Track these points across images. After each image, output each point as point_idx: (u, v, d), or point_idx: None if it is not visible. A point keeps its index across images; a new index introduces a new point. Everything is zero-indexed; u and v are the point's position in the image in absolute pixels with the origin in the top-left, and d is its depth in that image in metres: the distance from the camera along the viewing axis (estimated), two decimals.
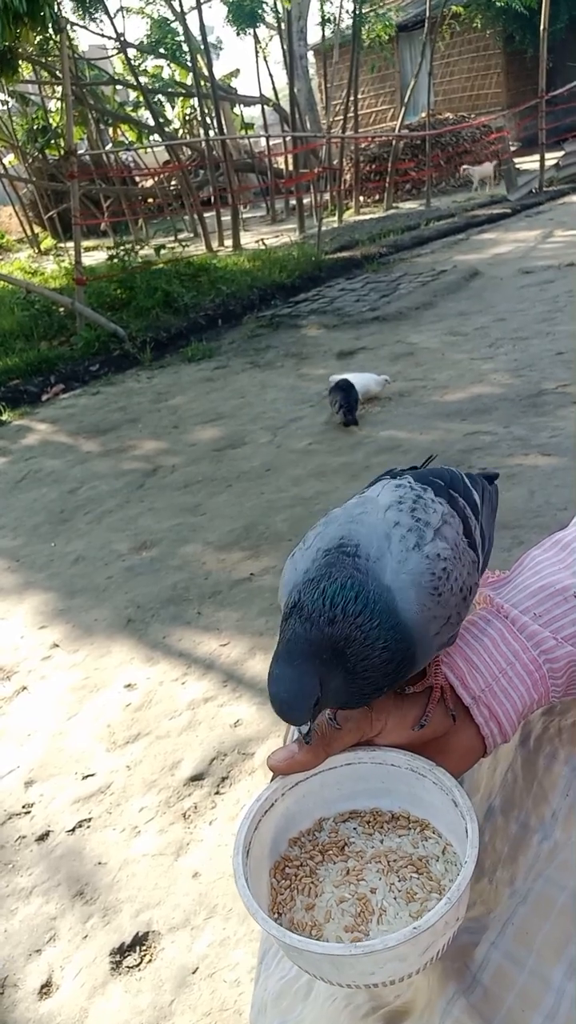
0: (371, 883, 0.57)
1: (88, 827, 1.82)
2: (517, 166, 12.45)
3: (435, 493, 0.59)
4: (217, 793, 1.84)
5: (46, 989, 1.48)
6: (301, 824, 0.62)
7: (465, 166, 13.98)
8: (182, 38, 14.75)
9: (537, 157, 11.92)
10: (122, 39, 13.69)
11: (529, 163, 12.97)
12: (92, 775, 1.98)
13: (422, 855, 0.58)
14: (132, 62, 14.15)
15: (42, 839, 1.81)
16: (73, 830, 1.82)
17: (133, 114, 17.08)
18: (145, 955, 1.50)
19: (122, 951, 1.52)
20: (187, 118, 17.81)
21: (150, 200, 16.75)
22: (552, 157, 12.48)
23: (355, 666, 0.50)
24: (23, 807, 1.92)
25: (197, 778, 1.89)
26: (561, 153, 12.92)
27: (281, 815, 0.61)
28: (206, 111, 13.31)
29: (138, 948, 1.52)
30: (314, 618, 0.49)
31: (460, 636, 0.61)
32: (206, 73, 12.34)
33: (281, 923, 0.56)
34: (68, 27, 12.00)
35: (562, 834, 0.63)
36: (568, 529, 0.66)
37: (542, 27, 11.00)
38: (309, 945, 0.49)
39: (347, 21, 14.69)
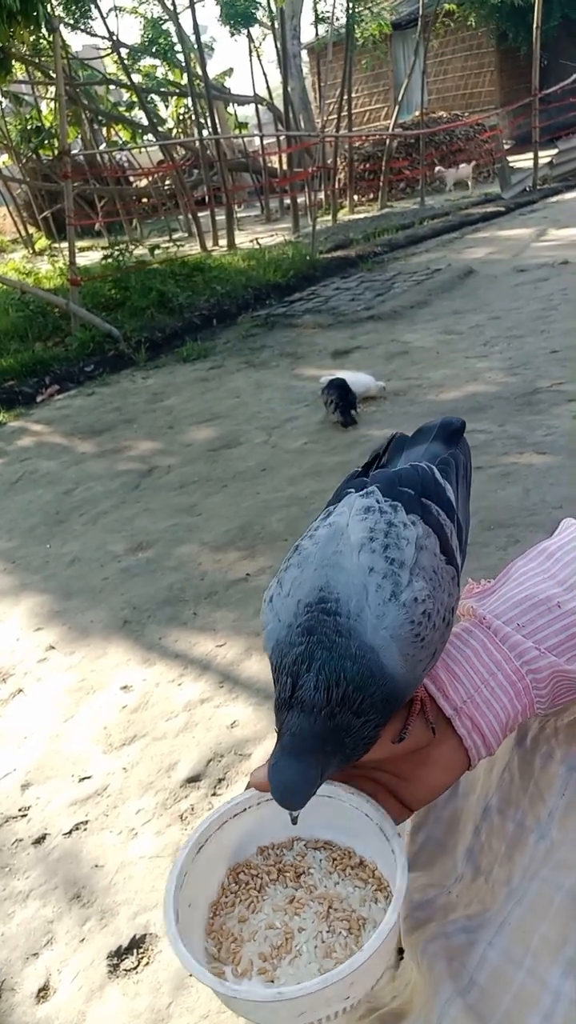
0: (303, 922, 0.57)
1: (85, 830, 1.81)
2: (511, 164, 12.46)
3: (407, 509, 0.56)
4: (214, 795, 1.84)
5: (43, 993, 1.48)
6: (275, 836, 0.62)
7: (439, 168, 13.94)
8: (175, 38, 14.73)
9: (531, 155, 11.93)
10: (115, 39, 13.67)
11: (523, 161, 12.97)
12: (88, 777, 1.97)
13: (364, 916, 0.57)
14: (125, 62, 14.12)
15: (39, 842, 1.81)
16: (70, 833, 1.81)
17: (127, 114, 17.05)
18: (143, 958, 1.50)
19: (119, 954, 1.51)
20: (181, 118, 17.79)
21: (144, 200, 16.72)
22: (546, 155, 12.48)
23: (353, 747, 0.52)
24: (19, 810, 1.92)
25: (194, 779, 1.89)
26: (555, 151, 12.92)
27: (254, 821, 0.61)
28: (200, 110, 13.29)
29: (135, 951, 1.51)
30: (315, 713, 0.50)
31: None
32: (200, 72, 12.32)
33: (214, 924, 0.58)
34: (61, 27, 11.97)
35: (559, 833, 0.63)
36: (553, 537, 0.66)
37: (535, 25, 11.01)
38: (185, 960, 0.50)
39: (341, 20, 14.67)
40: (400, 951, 0.70)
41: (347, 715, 0.50)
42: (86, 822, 1.83)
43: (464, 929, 0.63)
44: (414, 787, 0.60)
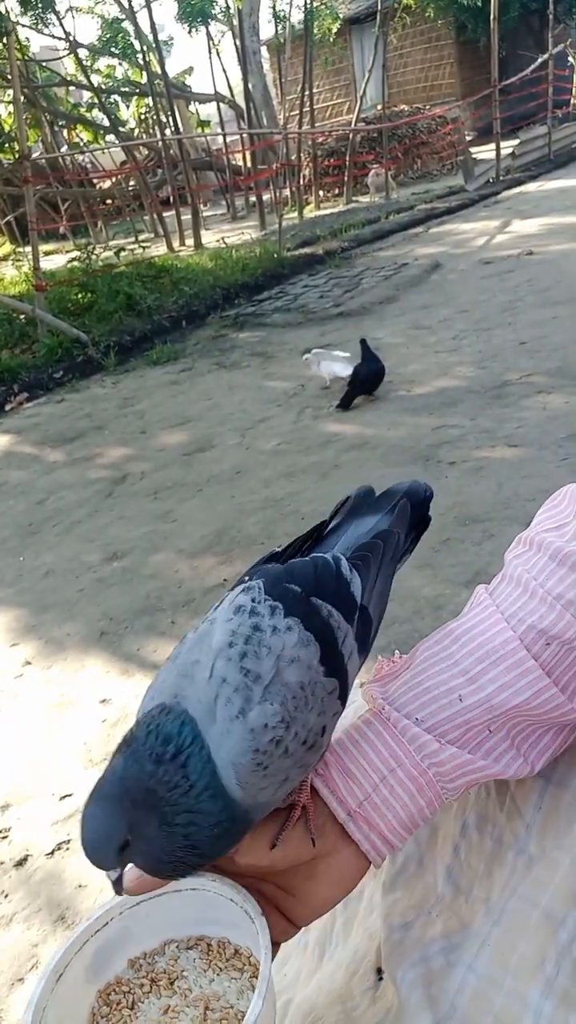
0: None
1: (67, 849, 1.79)
2: (474, 156, 12.52)
3: (287, 611, 0.51)
4: None
5: None
6: (145, 943, 0.59)
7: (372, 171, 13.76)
8: (133, 37, 14.58)
9: (493, 146, 12.00)
10: (72, 39, 13.51)
11: (485, 152, 13.04)
12: (70, 795, 1.95)
13: (242, 1008, 0.54)
14: (84, 62, 13.96)
15: (21, 864, 1.78)
16: (52, 853, 1.79)
17: (88, 114, 16.87)
18: None
19: None
20: (142, 117, 17.64)
21: (108, 202, 16.57)
22: (507, 146, 12.56)
23: (172, 818, 0.47)
24: (0, 832, 1.89)
25: None
26: (516, 141, 13.01)
27: (119, 932, 0.57)
28: (161, 109, 13.19)
29: None
30: (140, 754, 0.47)
31: (339, 742, 0.58)
32: (159, 71, 12.22)
33: None
34: (16, 29, 11.79)
35: (536, 847, 0.62)
36: (460, 619, 0.63)
37: (492, 16, 11.06)
38: None
39: (298, 16, 14.65)
40: (379, 971, 0.70)
41: (174, 771, 0.46)
42: (68, 841, 1.81)
43: (443, 951, 0.62)
44: (300, 904, 0.57)
